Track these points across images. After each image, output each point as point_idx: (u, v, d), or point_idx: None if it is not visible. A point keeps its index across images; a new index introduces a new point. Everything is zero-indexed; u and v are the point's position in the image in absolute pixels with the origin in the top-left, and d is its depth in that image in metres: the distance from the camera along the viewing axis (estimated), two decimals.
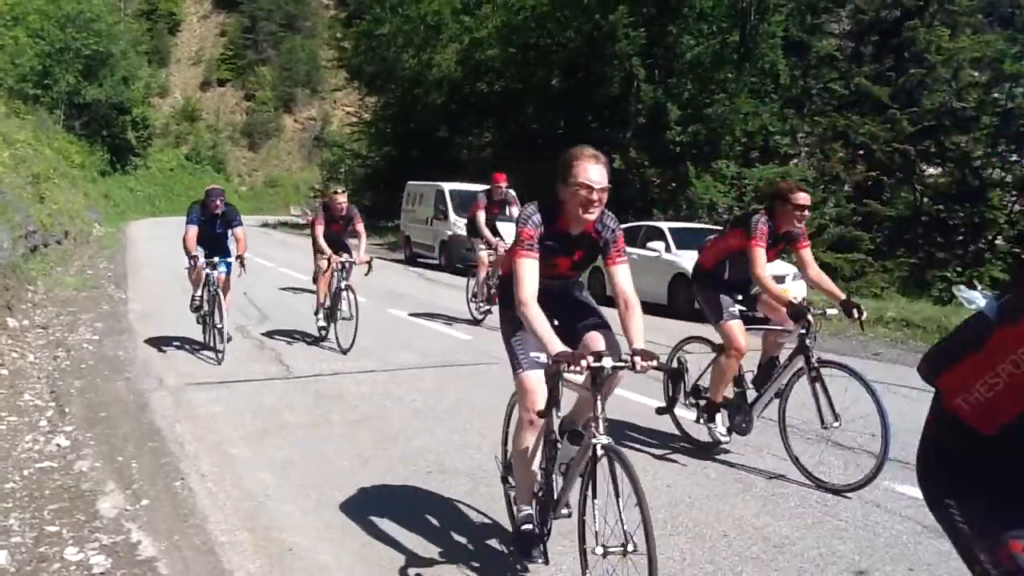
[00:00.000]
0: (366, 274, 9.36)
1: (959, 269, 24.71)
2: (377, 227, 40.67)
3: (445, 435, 5.93)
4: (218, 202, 8.83)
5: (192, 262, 8.65)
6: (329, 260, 9.52)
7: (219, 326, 8.55)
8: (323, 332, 9.93)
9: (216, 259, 8.67)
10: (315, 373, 8.06)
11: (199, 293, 9.17)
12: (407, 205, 24.38)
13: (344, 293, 9.39)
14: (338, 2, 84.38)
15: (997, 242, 25.54)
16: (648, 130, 28.99)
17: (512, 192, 11.72)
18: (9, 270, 11.44)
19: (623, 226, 17.88)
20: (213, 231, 8.99)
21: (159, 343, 9.37)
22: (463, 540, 4.06)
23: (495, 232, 11.40)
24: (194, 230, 8.74)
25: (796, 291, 13.21)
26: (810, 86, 28.74)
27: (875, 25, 27.93)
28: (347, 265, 9.43)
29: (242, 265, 8.76)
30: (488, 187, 11.62)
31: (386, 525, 4.25)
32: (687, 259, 13.94)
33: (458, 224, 21.21)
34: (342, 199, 9.91)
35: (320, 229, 9.77)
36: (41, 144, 30.27)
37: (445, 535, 4.13)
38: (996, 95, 26.03)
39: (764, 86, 27.67)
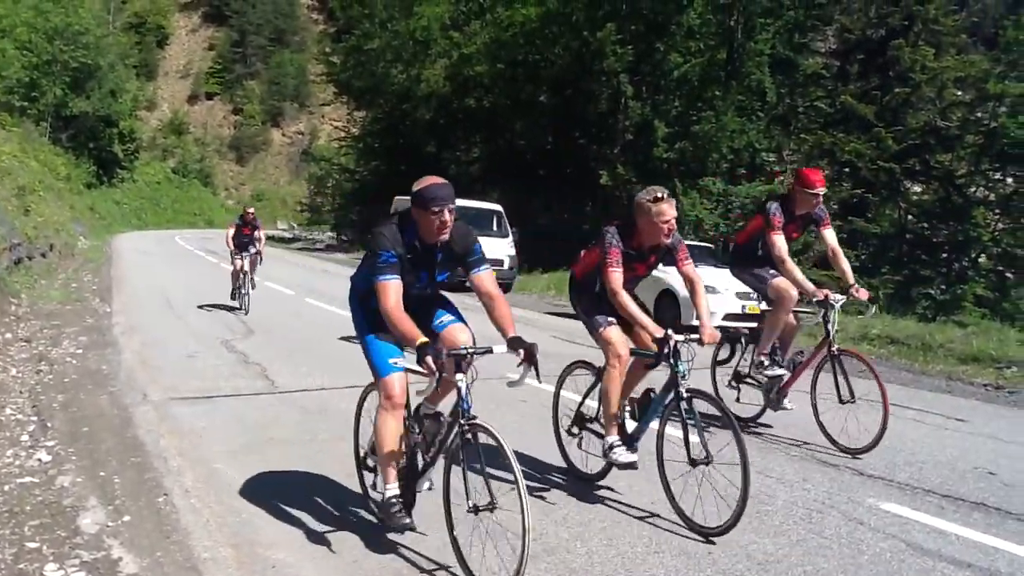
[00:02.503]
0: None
1: (943, 286, 24.88)
2: (365, 242, 40.69)
3: None
4: (446, 214, 3.91)
5: (427, 363, 3.67)
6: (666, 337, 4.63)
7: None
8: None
9: (466, 349, 3.91)
10: (301, 388, 8.02)
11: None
12: None
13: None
14: (327, 17, 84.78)
15: (980, 260, 25.73)
16: (635, 147, 29.17)
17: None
18: None
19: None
20: (427, 282, 4.28)
21: (143, 357, 9.32)
22: (448, 558, 4.04)
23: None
24: (396, 288, 3.97)
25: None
26: (796, 104, 28.94)
27: (861, 44, 28.15)
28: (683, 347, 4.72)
29: (531, 364, 3.87)
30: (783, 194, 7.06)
31: (371, 542, 4.23)
32: (673, 275, 14.00)
33: None
34: (671, 212, 4.84)
35: (617, 277, 4.87)
36: (27, 156, 30.16)
37: (430, 552, 4.11)
38: (980, 114, 26.25)
39: (751, 104, 27.88)
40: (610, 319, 5.09)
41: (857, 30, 27.98)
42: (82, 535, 4.24)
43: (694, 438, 4.52)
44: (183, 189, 75.05)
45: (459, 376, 3.80)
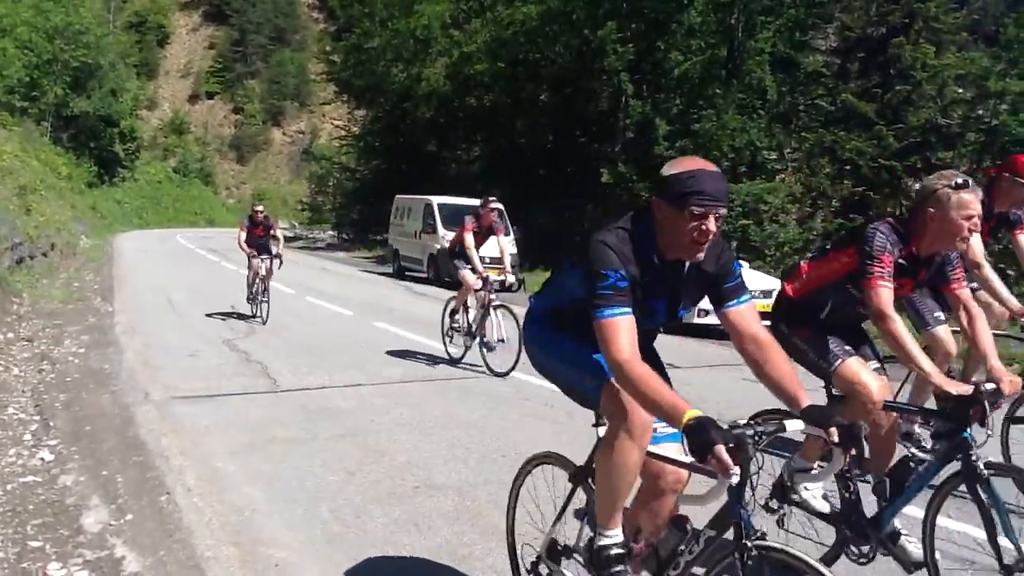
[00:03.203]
0: None
1: None
2: (366, 241, 40.71)
3: (432, 449, 5.91)
4: (712, 221, 2.53)
5: (720, 456, 2.10)
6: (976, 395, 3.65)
7: None
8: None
9: (753, 424, 2.31)
10: (302, 387, 8.02)
11: None
12: (395, 219, 24.39)
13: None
14: (328, 16, 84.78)
15: None
16: (636, 145, 29.14)
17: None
18: None
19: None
20: (663, 318, 2.84)
21: (145, 356, 9.32)
22: (450, 556, 4.04)
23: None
24: (631, 329, 2.48)
25: None
26: (797, 102, 28.92)
27: (862, 42, 28.15)
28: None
29: (850, 449, 2.38)
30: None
31: (372, 540, 4.23)
32: None
33: (446, 238, 21.26)
34: (977, 207, 3.59)
35: (889, 297, 3.38)
36: (28, 156, 30.17)
37: (432, 551, 4.11)
38: (981, 112, 26.26)
39: (752, 102, 27.86)
40: (847, 347, 3.70)
41: (858, 28, 27.97)
42: (85, 534, 4.24)
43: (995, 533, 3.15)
44: (184, 188, 74.99)
45: (734, 469, 2.13)
